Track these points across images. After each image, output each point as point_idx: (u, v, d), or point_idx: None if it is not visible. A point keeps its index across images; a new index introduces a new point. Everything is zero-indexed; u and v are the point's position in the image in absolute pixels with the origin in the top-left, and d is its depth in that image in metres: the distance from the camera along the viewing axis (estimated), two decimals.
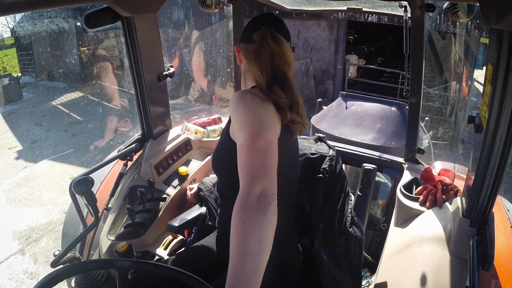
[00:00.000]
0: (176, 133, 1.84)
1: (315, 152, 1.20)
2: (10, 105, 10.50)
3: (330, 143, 1.35)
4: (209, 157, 1.88)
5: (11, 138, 7.92)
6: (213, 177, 1.61)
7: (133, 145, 1.63)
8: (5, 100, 10.60)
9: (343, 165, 1.31)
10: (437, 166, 1.64)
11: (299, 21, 8.00)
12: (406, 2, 1.50)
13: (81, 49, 10.79)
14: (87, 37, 10.36)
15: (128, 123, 7.39)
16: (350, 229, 1.20)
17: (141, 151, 1.68)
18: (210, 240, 1.21)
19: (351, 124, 2.47)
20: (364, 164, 1.40)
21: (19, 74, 12.67)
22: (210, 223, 1.34)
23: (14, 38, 13.67)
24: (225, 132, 1.00)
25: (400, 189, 1.46)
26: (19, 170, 6.23)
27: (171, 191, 1.63)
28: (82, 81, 10.76)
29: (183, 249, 1.43)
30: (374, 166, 1.31)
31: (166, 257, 1.39)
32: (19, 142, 7.64)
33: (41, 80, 12.53)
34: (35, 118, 9.07)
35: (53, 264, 1.21)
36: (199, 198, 1.51)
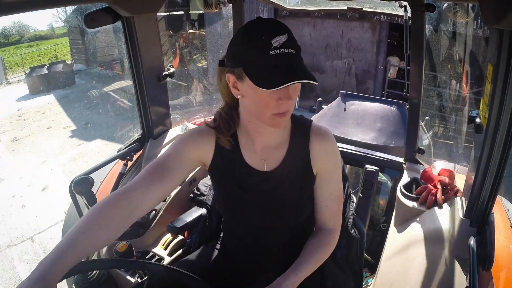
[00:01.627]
0: (176, 133, 1.84)
1: None
2: (63, 89, 11.63)
3: None
4: None
5: (65, 119, 8.66)
6: (206, 181, 1.61)
7: (133, 145, 1.63)
8: (59, 85, 11.78)
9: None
10: (437, 166, 1.64)
11: (344, 22, 8.18)
12: (406, 2, 1.50)
13: None
14: None
15: None
16: (352, 231, 1.19)
17: (141, 151, 1.68)
18: (214, 243, 1.20)
19: (351, 123, 2.47)
20: (366, 166, 1.40)
21: (72, 61, 14.06)
22: (211, 224, 1.34)
23: (68, 28, 14.98)
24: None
25: (400, 189, 1.46)
26: (73, 147, 6.73)
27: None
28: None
29: (181, 250, 1.43)
30: (376, 168, 1.30)
31: (166, 257, 1.39)
32: (73, 122, 8.31)
33: (92, 68, 13.60)
34: (87, 102, 9.76)
35: None
36: (197, 202, 1.51)
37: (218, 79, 0.89)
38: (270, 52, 0.75)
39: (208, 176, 1.74)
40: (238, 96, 0.84)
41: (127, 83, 10.18)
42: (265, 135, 0.91)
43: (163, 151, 1.71)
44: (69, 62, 13.65)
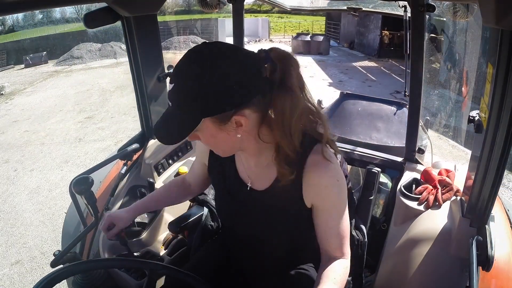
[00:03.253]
0: None
1: None
2: (320, 56, 15.31)
3: None
4: None
5: (323, 75, 11.52)
6: None
7: (133, 145, 1.63)
8: (316, 51, 15.77)
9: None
10: (437, 166, 1.64)
11: None
12: (406, 2, 1.50)
13: (384, 32, 13.77)
14: (388, 22, 13.48)
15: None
16: (352, 232, 1.19)
17: (141, 151, 1.68)
18: (214, 242, 1.20)
19: (351, 123, 2.47)
20: (368, 166, 1.40)
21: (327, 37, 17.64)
22: (212, 223, 1.34)
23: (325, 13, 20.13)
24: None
25: (400, 189, 1.46)
26: (330, 92, 8.01)
27: None
28: (377, 56, 14.30)
29: (181, 249, 1.43)
30: (378, 169, 1.29)
31: (166, 256, 1.39)
32: (330, 78, 11.05)
33: (342, 46, 18.47)
34: (340, 69, 12.65)
35: (53, 264, 1.21)
36: (198, 201, 1.51)
37: None
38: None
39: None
40: None
41: (372, 63, 13.34)
42: (242, 154, 0.89)
43: (163, 151, 1.72)
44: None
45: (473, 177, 1.06)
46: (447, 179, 1.41)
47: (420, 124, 1.63)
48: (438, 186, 1.40)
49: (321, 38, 16.40)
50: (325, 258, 0.88)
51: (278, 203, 0.88)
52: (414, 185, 1.49)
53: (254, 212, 0.92)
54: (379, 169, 1.37)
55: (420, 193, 1.40)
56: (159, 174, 1.68)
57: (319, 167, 0.82)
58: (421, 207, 1.36)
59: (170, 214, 1.56)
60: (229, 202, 0.97)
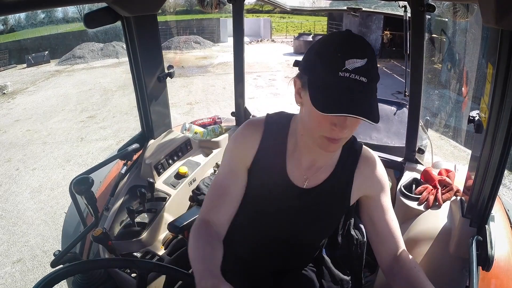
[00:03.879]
0: (176, 133, 1.84)
1: None
2: None
3: None
4: (209, 157, 1.88)
5: None
6: (206, 180, 1.62)
7: (133, 145, 1.63)
8: None
9: None
10: (437, 166, 1.63)
11: None
12: (406, 2, 1.50)
13: (385, 32, 13.72)
14: (391, 23, 13.45)
15: None
16: (352, 231, 1.19)
17: (141, 151, 1.69)
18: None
19: None
20: None
21: None
22: None
23: (327, 14, 19.47)
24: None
25: (400, 189, 1.46)
26: None
27: (171, 191, 1.63)
28: (379, 56, 13.78)
29: (183, 249, 1.43)
30: None
31: (166, 257, 1.40)
32: None
33: None
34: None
35: (53, 264, 1.22)
36: (198, 201, 1.52)
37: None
38: (339, 73, 0.68)
39: (209, 175, 1.75)
40: (298, 104, 0.80)
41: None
42: (314, 154, 0.86)
43: (163, 151, 1.72)
44: None
45: (473, 177, 1.06)
46: (447, 179, 1.41)
47: (420, 124, 1.63)
48: (438, 186, 1.39)
49: None
50: (391, 259, 0.89)
51: (324, 199, 0.90)
52: (414, 185, 1.48)
53: (293, 210, 0.91)
54: None
55: (420, 193, 1.40)
56: (159, 174, 1.68)
57: (373, 160, 0.91)
58: (421, 207, 1.36)
59: (170, 214, 1.56)
60: (269, 201, 0.92)
